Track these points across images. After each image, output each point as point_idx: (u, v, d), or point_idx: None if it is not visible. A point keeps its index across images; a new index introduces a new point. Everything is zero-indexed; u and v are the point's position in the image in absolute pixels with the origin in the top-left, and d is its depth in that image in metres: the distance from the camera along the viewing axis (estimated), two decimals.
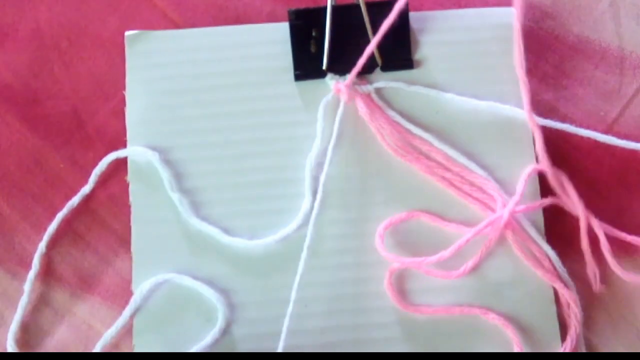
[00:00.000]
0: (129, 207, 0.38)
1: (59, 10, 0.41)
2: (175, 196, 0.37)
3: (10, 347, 0.37)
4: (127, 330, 0.37)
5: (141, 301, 0.37)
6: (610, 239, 0.38)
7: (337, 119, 0.38)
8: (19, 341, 0.37)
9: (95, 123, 0.40)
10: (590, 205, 0.38)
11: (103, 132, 0.40)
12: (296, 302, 0.37)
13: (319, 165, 0.38)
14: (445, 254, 0.36)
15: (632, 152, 0.39)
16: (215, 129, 0.39)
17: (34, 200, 0.39)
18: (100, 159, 0.39)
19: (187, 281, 0.37)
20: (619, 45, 0.42)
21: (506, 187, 0.38)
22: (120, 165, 0.39)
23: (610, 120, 0.41)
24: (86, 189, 0.39)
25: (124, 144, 0.39)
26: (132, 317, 0.37)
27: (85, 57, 0.41)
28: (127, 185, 0.39)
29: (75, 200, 0.38)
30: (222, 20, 0.41)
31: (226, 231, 0.37)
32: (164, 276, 0.37)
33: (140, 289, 0.37)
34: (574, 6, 0.42)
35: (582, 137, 0.39)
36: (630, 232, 0.38)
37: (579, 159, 0.40)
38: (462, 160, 0.38)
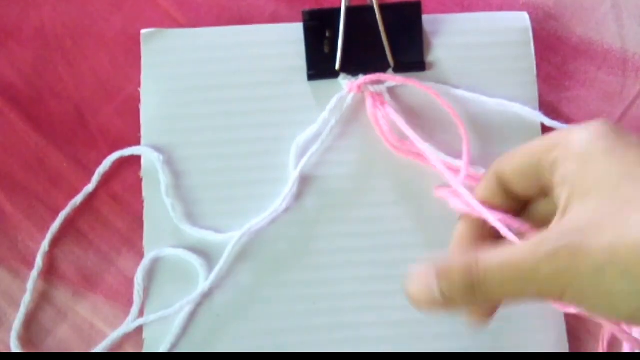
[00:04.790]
0: (132, 206, 0.38)
1: (62, 9, 0.41)
2: (168, 202, 0.38)
3: (14, 346, 0.37)
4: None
5: (143, 290, 0.37)
6: None
7: (343, 113, 0.38)
8: (22, 339, 0.37)
9: (99, 122, 0.40)
10: None
11: (106, 131, 0.40)
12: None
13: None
14: None
15: None
16: (228, 127, 0.39)
17: (37, 199, 0.39)
18: (104, 158, 0.39)
19: (170, 251, 0.37)
20: (622, 46, 0.42)
21: None
22: (124, 165, 0.39)
23: (612, 121, 0.40)
24: (89, 187, 0.39)
25: (127, 143, 0.39)
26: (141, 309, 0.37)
27: (88, 57, 0.41)
28: (130, 184, 0.39)
29: (78, 199, 0.38)
30: (225, 20, 0.41)
31: (220, 229, 0.38)
32: (149, 256, 0.37)
33: (137, 278, 0.37)
34: (577, 7, 0.42)
35: None
36: None
37: None
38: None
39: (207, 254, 0.38)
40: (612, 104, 0.41)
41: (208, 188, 0.38)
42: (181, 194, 0.38)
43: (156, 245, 0.38)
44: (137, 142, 0.39)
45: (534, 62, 0.40)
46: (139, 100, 0.40)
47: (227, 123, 0.39)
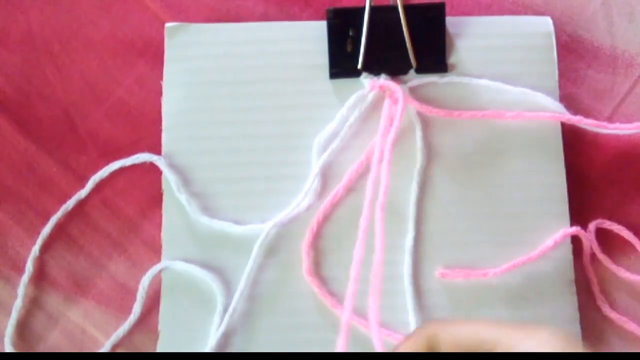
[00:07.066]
0: (123, 210, 0.38)
1: (50, 13, 0.41)
2: (182, 197, 0.38)
3: (9, 350, 0.37)
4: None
5: (146, 297, 0.37)
6: (607, 239, 0.38)
7: (362, 111, 0.39)
8: (15, 346, 0.37)
9: (88, 126, 0.40)
10: (583, 204, 0.39)
11: (95, 135, 0.40)
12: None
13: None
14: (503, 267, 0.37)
15: (624, 150, 0.40)
16: (249, 122, 0.39)
17: (26, 204, 0.39)
18: (93, 162, 0.39)
19: (181, 265, 0.37)
20: (612, 44, 0.42)
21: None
22: (115, 170, 0.39)
23: (603, 119, 0.41)
24: (82, 193, 0.38)
25: (116, 147, 0.39)
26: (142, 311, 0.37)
27: (77, 60, 0.41)
28: (121, 189, 0.39)
29: (69, 204, 0.38)
30: (214, 22, 0.41)
31: (240, 222, 0.38)
32: (160, 266, 0.37)
33: (142, 283, 0.37)
34: (566, 5, 0.42)
35: (575, 136, 0.39)
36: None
37: (572, 158, 0.40)
38: None
39: (224, 250, 0.38)
40: (602, 101, 0.41)
41: (227, 182, 0.38)
42: (200, 187, 0.38)
43: (174, 239, 0.38)
44: (127, 145, 0.39)
45: (556, 67, 0.40)
46: (128, 104, 0.40)
47: (248, 118, 0.39)
